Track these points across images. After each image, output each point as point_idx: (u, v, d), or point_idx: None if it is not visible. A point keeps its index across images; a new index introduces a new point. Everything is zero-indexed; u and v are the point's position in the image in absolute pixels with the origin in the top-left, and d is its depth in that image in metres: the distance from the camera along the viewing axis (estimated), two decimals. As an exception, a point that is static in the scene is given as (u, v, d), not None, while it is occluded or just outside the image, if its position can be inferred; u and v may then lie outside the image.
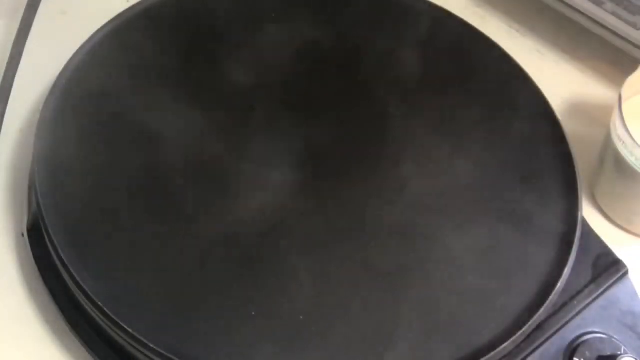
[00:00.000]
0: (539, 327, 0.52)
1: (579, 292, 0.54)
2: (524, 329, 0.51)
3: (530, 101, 0.61)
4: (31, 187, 0.56)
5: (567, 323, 0.53)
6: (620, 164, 0.58)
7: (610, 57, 0.69)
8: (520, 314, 0.51)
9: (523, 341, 0.52)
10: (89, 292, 0.49)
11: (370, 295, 0.52)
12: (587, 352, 0.52)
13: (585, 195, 0.61)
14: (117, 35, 0.61)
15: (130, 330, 0.48)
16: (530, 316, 0.51)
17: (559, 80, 0.68)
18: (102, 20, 0.62)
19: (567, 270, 0.53)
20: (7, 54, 0.63)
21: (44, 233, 0.52)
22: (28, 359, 0.53)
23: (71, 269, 0.50)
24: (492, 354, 0.50)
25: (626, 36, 0.66)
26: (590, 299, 0.54)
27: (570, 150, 0.58)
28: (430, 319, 0.51)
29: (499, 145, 0.59)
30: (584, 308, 0.54)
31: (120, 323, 0.48)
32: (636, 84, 0.59)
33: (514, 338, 0.50)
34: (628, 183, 0.59)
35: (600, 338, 0.53)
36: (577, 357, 0.52)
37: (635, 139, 0.56)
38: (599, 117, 0.66)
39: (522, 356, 0.52)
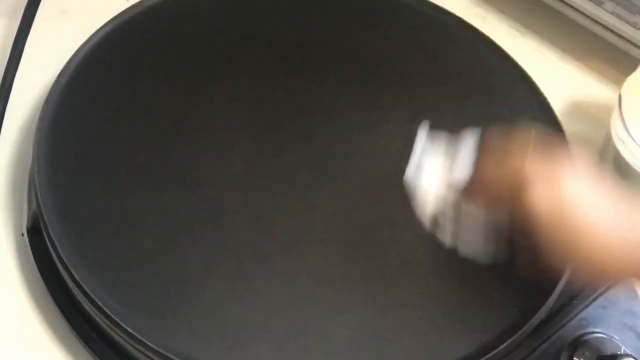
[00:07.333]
0: (539, 327, 0.52)
1: (579, 292, 0.54)
2: (524, 329, 0.51)
3: (530, 101, 0.61)
4: (31, 187, 0.56)
5: (567, 323, 0.53)
6: (621, 164, 0.58)
7: (610, 57, 0.69)
8: (521, 314, 0.51)
9: (523, 341, 0.52)
10: (89, 292, 0.49)
11: (370, 295, 0.52)
12: (587, 352, 0.52)
13: (586, 195, 0.61)
14: (117, 35, 0.61)
15: (130, 330, 0.48)
16: (531, 316, 0.51)
17: (559, 80, 0.68)
18: (102, 20, 0.62)
19: (567, 270, 0.53)
20: (7, 54, 0.63)
21: (44, 233, 0.52)
22: (28, 359, 0.53)
23: (71, 269, 0.50)
24: (493, 353, 0.50)
25: (626, 36, 0.66)
26: (590, 299, 0.54)
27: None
28: (431, 318, 0.51)
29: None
30: (584, 308, 0.54)
31: (120, 323, 0.48)
32: (636, 84, 0.59)
33: (514, 338, 0.50)
34: (628, 183, 0.59)
35: (600, 338, 0.53)
36: (577, 357, 0.52)
37: (636, 139, 0.56)
38: (599, 117, 0.66)
39: (522, 356, 0.52)
